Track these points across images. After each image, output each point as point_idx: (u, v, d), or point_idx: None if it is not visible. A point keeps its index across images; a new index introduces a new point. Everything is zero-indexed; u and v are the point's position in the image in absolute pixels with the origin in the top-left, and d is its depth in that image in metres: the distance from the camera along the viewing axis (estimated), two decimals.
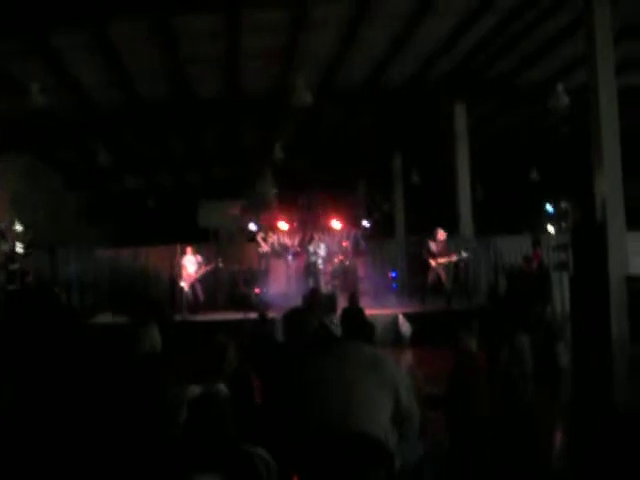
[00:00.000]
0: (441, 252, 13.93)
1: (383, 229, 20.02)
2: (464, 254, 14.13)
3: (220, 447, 2.94)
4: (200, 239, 18.52)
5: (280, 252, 16.06)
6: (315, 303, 11.31)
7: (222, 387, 3.87)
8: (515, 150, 20.69)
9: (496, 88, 16.11)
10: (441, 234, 14.14)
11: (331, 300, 12.81)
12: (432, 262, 13.86)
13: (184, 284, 14.73)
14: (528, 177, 20.66)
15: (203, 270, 14.85)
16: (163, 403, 2.99)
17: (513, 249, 15.12)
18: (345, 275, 15.25)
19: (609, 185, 12.51)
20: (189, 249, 14.99)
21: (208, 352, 4.77)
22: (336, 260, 15.32)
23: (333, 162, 21.48)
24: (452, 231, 16.44)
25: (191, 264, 14.80)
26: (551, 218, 14.71)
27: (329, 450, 3.41)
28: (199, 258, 14.91)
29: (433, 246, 14.03)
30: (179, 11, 11.18)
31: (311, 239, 15.39)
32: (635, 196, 14.95)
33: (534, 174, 20.39)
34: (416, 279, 14.84)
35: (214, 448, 2.91)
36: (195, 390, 3.13)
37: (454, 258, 14.06)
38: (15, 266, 13.17)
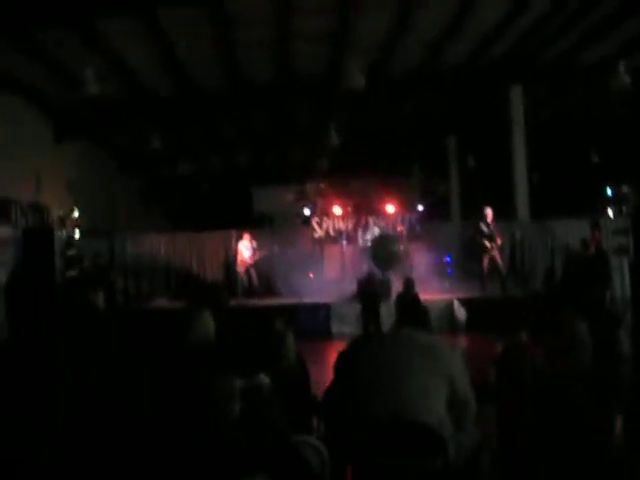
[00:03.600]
0: (492, 233, 13.72)
1: (438, 213, 19.88)
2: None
3: (267, 442, 2.96)
4: (255, 224, 18.69)
5: (335, 237, 16.07)
6: (370, 288, 11.41)
7: (264, 378, 3.87)
8: (574, 132, 20.25)
9: (553, 70, 15.79)
10: (489, 213, 13.94)
11: (385, 285, 12.82)
12: (487, 244, 13.69)
13: (240, 269, 14.89)
14: (588, 160, 20.27)
15: (258, 255, 14.98)
16: (212, 395, 3.00)
17: (571, 233, 14.84)
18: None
19: None
20: (246, 235, 15.12)
21: (264, 339, 4.80)
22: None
23: (387, 146, 21.35)
24: (509, 215, 16.34)
25: (246, 249, 14.95)
26: (611, 202, 14.41)
27: (382, 440, 3.41)
28: (254, 244, 15.05)
29: (484, 227, 13.85)
30: None
31: (366, 224, 15.38)
32: None
33: (594, 157, 20.00)
34: (471, 263, 14.69)
35: (261, 444, 2.92)
36: (238, 383, 3.13)
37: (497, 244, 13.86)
38: (73, 252, 13.45)
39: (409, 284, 11.06)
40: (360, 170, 18.02)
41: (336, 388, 4.01)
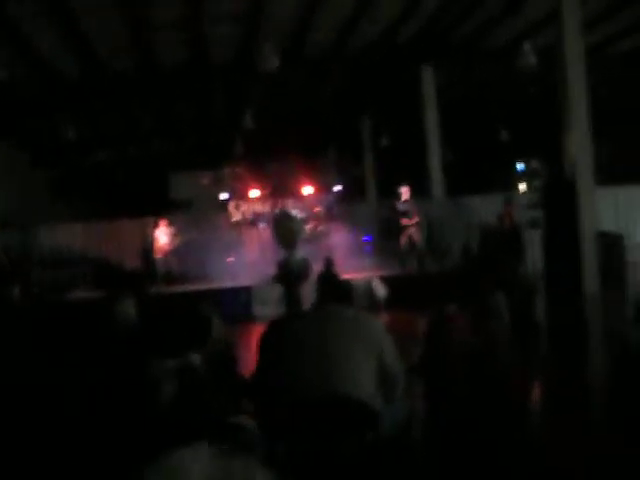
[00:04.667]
0: (408, 210, 13.92)
1: (354, 193, 20.04)
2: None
3: (203, 419, 2.93)
4: (172, 211, 18.42)
5: (253, 220, 15.98)
6: (289, 269, 11.42)
7: (196, 357, 3.84)
8: (485, 111, 20.73)
9: (462, 50, 16.09)
10: (405, 192, 14.11)
11: (304, 265, 12.78)
12: (403, 221, 13.86)
13: (158, 256, 14.66)
14: (499, 137, 20.79)
15: (176, 241, 14.78)
16: (143, 376, 2.95)
17: (485, 209, 15.22)
18: (318, 241, 15.22)
19: (578, 144, 12.68)
20: (163, 222, 14.87)
21: (190, 323, 4.74)
22: (309, 226, 15.28)
23: (303, 128, 21.37)
24: (423, 193, 16.59)
25: (164, 235, 14.72)
26: (522, 177, 14.78)
27: (311, 415, 3.42)
28: (172, 230, 14.82)
29: (400, 206, 14.04)
30: None
31: (283, 206, 15.34)
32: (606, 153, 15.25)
33: (504, 134, 20.55)
34: (390, 242, 14.86)
35: (197, 421, 2.89)
36: (170, 363, 3.09)
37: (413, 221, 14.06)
38: None
39: (329, 263, 11.12)
40: (277, 153, 17.96)
41: (262, 369, 3.98)
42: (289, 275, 11.95)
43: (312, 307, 4.30)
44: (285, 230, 14.01)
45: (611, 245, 13.06)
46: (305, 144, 19.79)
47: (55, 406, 3.39)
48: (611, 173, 15.76)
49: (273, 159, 17.56)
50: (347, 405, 3.42)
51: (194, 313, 4.88)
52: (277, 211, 15.22)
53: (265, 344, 4.01)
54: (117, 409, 2.96)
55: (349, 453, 3.35)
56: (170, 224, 14.90)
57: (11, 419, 3.41)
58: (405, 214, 13.82)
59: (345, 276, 13.00)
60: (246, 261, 14.89)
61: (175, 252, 14.84)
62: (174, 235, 14.81)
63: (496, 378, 5.43)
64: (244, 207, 16.14)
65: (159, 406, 2.92)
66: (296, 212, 14.79)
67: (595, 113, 12.81)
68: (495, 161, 19.37)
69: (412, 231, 13.85)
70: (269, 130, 19.31)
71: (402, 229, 13.82)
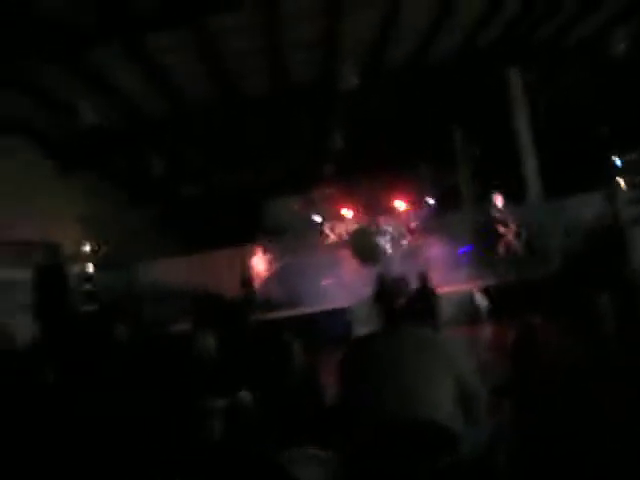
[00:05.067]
0: (505, 218, 13.63)
1: (449, 205, 19.69)
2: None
3: (249, 459, 2.89)
4: (268, 238, 18.58)
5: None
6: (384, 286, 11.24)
7: (245, 395, 3.81)
8: (578, 107, 20.06)
9: (546, 48, 15.69)
10: (498, 199, 13.84)
11: (400, 282, 12.60)
12: (500, 229, 13.56)
13: (256, 283, 14.84)
14: (594, 133, 20.02)
15: (273, 268, 14.92)
16: (188, 414, 2.96)
17: (585, 208, 14.67)
18: (416, 255, 15.06)
19: None
20: (258, 249, 15.06)
21: (272, 353, 4.73)
22: (405, 242, 15.14)
23: (392, 143, 21.20)
24: (521, 198, 16.21)
25: (261, 263, 14.91)
26: (621, 172, 14.15)
27: (389, 439, 3.33)
28: (269, 256, 14.99)
29: (496, 213, 13.76)
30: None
31: (377, 224, 15.27)
32: None
33: (603, 129, 19.75)
34: (488, 251, 14.54)
35: (243, 461, 2.86)
36: (219, 402, 3.08)
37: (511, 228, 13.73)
38: (88, 286, 13.45)
39: (423, 278, 10.95)
40: (367, 170, 17.88)
41: (343, 392, 3.93)
42: (384, 293, 11.75)
43: (386, 327, 4.24)
44: (362, 245, 13.96)
45: None
46: (395, 159, 19.61)
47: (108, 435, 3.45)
48: None
49: (364, 177, 17.50)
50: (423, 427, 3.32)
51: (276, 342, 4.88)
52: (355, 228, 15.18)
53: (343, 368, 3.98)
54: (164, 441, 2.97)
55: (427, 477, 3.24)
56: (266, 251, 15.07)
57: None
58: (501, 222, 13.52)
59: (445, 289, 12.91)
60: (344, 282, 14.87)
61: (273, 279, 14.98)
62: (271, 262, 14.97)
63: (591, 392, 5.09)
64: (339, 228, 16.17)
65: (206, 442, 2.91)
66: (388, 228, 14.70)
67: None
68: (592, 157, 18.65)
69: (510, 238, 13.52)
70: (358, 148, 19.27)
71: (499, 237, 13.52)
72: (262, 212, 22.43)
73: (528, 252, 14.41)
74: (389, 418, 3.39)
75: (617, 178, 14.17)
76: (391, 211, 16.13)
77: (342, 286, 14.64)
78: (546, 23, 14.43)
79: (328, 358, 5.73)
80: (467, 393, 3.57)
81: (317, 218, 16.77)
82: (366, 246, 14.01)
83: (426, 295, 10.41)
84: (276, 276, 15.06)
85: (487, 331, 11.73)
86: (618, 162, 14.39)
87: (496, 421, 3.88)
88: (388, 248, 14.67)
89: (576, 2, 13.31)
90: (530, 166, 16.72)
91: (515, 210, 14.13)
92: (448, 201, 19.55)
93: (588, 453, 4.40)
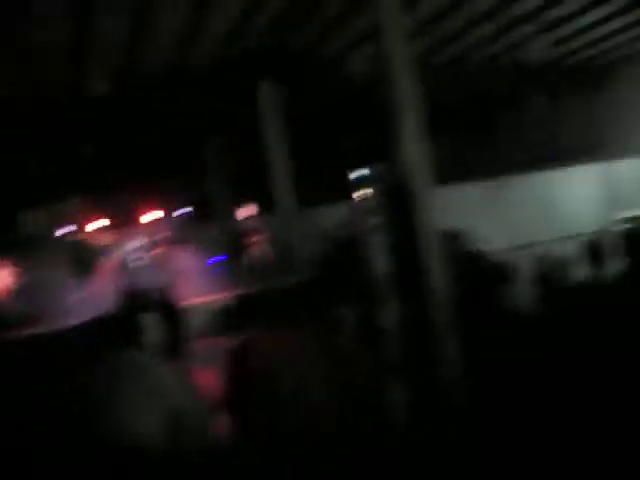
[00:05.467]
0: (252, 229, 13.86)
1: (204, 215, 19.68)
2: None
3: None
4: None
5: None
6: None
7: None
8: (328, 121, 20.91)
9: (294, 63, 16.23)
10: (246, 211, 14.09)
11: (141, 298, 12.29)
12: (248, 238, 13.77)
13: None
14: (342, 145, 20.98)
15: (16, 282, 13.94)
16: None
17: (331, 218, 15.27)
18: (164, 267, 14.81)
19: (412, 149, 12.87)
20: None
21: None
22: (154, 253, 14.84)
23: (147, 152, 20.82)
24: (272, 207, 16.62)
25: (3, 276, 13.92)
26: (361, 183, 14.95)
27: None
28: (12, 270, 14.03)
29: (242, 224, 13.98)
30: None
31: (125, 237, 14.87)
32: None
33: (345, 141, 20.77)
34: (235, 261, 14.71)
35: None
36: None
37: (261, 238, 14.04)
38: None
39: (161, 292, 10.76)
40: (118, 180, 17.39)
41: None
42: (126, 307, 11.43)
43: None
44: (77, 259, 13.68)
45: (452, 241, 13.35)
46: (148, 169, 19.25)
47: None
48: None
49: (115, 187, 17.00)
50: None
51: None
52: (137, 243, 14.76)
53: None
54: None
55: None
56: (9, 264, 14.04)
57: None
58: (249, 231, 13.76)
59: (192, 301, 12.84)
60: (94, 296, 14.25)
61: (16, 294, 13.99)
62: (14, 276, 13.99)
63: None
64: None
65: None
66: (135, 240, 14.39)
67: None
68: (339, 169, 19.52)
69: (256, 248, 13.77)
70: (110, 158, 18.73)
71: (247, 247, 13.72)
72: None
73: (276, 261, 14.77)
74: None
75: (362, 189, 14.95)
76: (140, 223, 15.75)
77: (91, 301, 14.04)
78: (297, 38, 14.87)
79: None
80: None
81: (63, 231, 15.99)
82: (80, 260, 13.65)
83: (166, 309, 10.30)
84: (19, 291, 14.08)
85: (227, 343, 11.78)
86: (360, 174, 15.17)
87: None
88: (134, 260, 14.31)
89: (322, 22, 13.84)
90: (281, 177, 17.14)
91: (267, 220, 14.38)
92: (202, 212, 19.55)
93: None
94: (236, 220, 14.43)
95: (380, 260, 13.43)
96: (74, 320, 13.04)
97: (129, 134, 19.42)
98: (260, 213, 14.24)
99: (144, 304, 11.45)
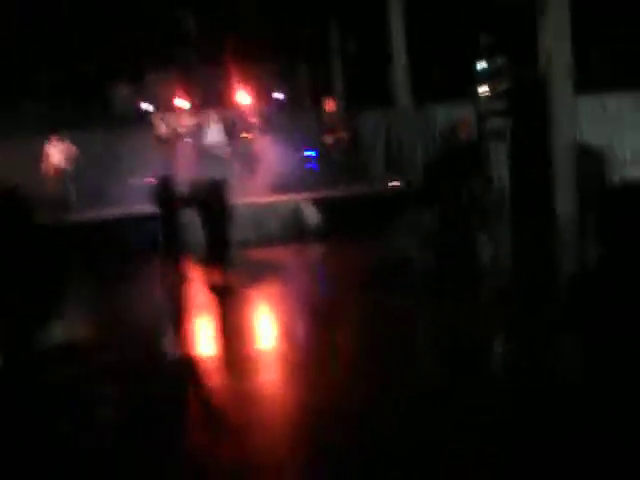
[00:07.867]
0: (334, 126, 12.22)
1: (301, 104, 17.85)
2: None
3: None
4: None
5: (182, 135, 13.76)
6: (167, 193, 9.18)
7: None
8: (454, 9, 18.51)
9: None
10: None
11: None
12: (326, 138, 12.22)
13: (50, 177, 12.44)
14: (470, 37, 18.63)
15: (71, 159, 12.50)
16: None
17: (454, 117, 13.05)
18: (250, 154, 13.13)
19: (555, 36, 10.46)
20: (53, 137, 12.60)
21: None
22: (239, 140, 13.17)
23: (257, 34, 19.08)
24: (389, 102, 14.83)
25: (57, 153, 12.48)
26: (485, 78, 12.49)
27: None
28: (69, 146, 12.59)
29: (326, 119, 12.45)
30: None
31: (207, 119, 13.23)
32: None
33: (476, 32, 18.41)
34: (333, 157, 12.90)
35: None
36: None
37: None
38: None
39: (216, 187, 8.94)
40: (214, 59, 15.61)
41: None
42: (165, 200, 9.50)
43: None
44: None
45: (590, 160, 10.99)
46: (251, 49, 17.51)
47: None
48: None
49: (207, 66, 15.31)
50: None
51: None
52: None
53: None
54: None
55: None
56: (62, 139, 12.58)
57: None
58: (333, 127, 12.11)
59: (271, 199, 11.15)
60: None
61: (74, 172, 12.60)
62: (70, 151, 12.59)
63: None
64: (171, 120, 13.90)
65: None
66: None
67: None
68: (462, 63, 17.25)
69: (337, 147, 12.12)
70: (213, 36, 16.99)
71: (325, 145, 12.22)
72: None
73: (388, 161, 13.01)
74: None
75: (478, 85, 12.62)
76: (231, 105, 14.01)
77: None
78: None
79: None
80: None
81: (146, 106, 14.43)
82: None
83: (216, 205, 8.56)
84: (79, 171, 12.63)
85: (312, 251, 10.10)
86: (482, 67, 12.71)
87: None
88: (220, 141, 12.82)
89: None
90: (399, 70, 15.07)
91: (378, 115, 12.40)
92: (299, 101, 17.65)
93: None
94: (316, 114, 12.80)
95: (498, 172, 11.29)
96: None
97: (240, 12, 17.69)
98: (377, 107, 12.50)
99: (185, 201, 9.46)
